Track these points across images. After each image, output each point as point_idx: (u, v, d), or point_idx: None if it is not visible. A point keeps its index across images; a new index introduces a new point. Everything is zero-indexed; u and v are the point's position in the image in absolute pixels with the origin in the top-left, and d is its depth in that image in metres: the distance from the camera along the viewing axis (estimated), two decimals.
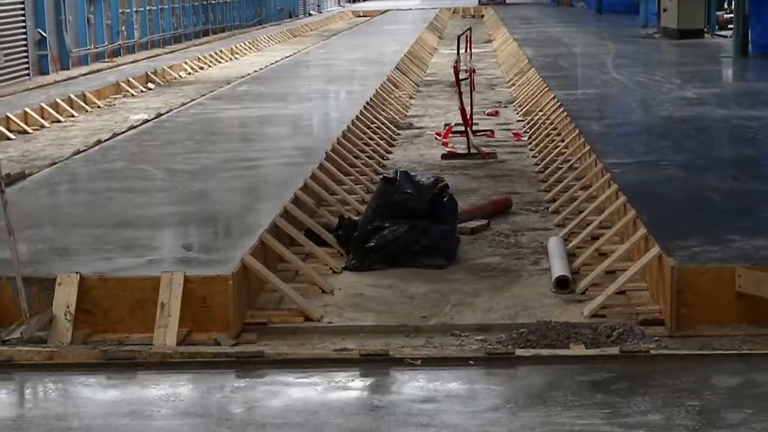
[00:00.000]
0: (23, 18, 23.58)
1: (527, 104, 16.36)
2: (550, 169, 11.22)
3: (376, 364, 5.19)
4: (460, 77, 12.79)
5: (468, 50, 14.93)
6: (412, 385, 5.04)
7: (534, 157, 12.33)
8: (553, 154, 11.80)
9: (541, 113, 14.74)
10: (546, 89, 16.10)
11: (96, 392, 5.10)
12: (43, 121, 16.77)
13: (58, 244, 7.38)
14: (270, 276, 6.82)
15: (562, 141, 12.17)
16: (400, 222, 7.82)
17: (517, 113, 16.21)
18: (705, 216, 7.72)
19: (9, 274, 6.26)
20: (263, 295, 6.96)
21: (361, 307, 6.78)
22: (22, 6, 23.54)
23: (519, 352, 5.30)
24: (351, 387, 5.06)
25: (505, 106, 17.19)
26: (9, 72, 22.67)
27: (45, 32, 24.82)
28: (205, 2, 38.98)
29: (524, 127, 14.68)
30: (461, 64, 13.28)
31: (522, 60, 22.05)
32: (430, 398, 4.87)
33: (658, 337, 6.07)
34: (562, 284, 7.06)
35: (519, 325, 6.25)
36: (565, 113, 13.28)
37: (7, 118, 15.98)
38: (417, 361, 5.17)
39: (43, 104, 17.44)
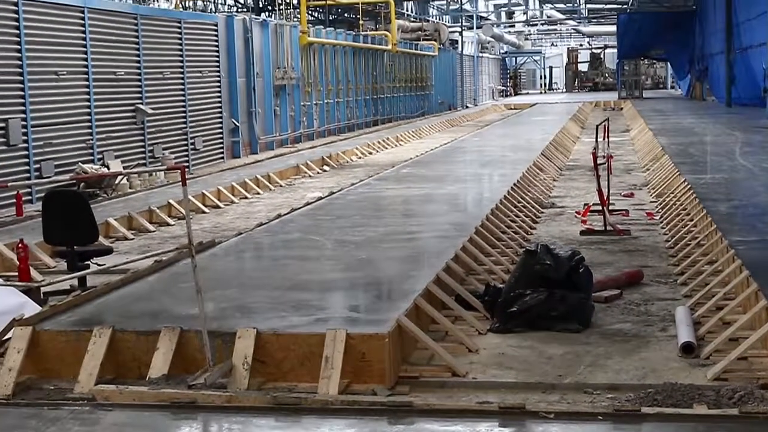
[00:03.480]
0: (220, 110, 24.41)
1: (660, 187, 16.06)
2: (679, 245, 10.94)
3: (514, 416, 5.10)
4: (598, 162, 12.67)
5: (605, 138, 14.77)
6: None
7: (665, 234, 12.07)
8: (682, 232, 11.53)
9: (672, 195, 14.44)
10: (677, 173, 15.79)
11: None
12: (233, 197, 17.25)
13: (240, 303, 7.52)
14: (422, 335, 6.81)
15: (691, 220, 11.89)
16: (540, 290, 7.73)
17: (651, 195, 15.93)
18: None
19: (196, 328, 6.40)
20: (416, 353, 6.93)
21: (503, 365, 6.70)
22: (219, 100, 24.39)
23: (644, 409, 5.15)
24: None
25: (640, 189, 16.91)
26: (207, 155, 23.46)
27: (238, 122, 25.64)
28: (375, 97, 39.66)
29: (657, 207, 14.40)
30: (599, 150, 13.14)
31: (656, 147, 21.70)
32: None
33: None
34: (688, 350, 6.84)
35: (647, 385, 6.06)
36: (694, 195, 12.99)
37: (203, 194, 16.48)
38: (550, 414, 5.07)
39: (233, 183, 17.94)
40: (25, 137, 16.33)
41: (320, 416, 5.27)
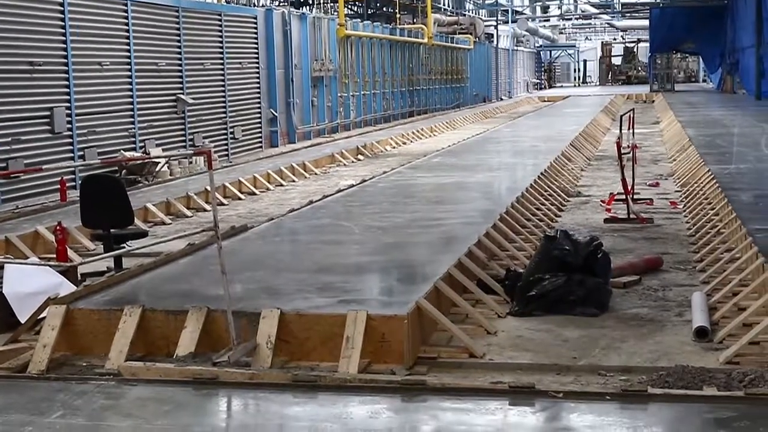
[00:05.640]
0: (258, 100, 24.49)
1: (685, 177, 15.92)
2: (700, 233, 10.86)
3: (524, 395, 5.09)
4: (622, 152, 12.58)
5: (630, 128, 14.65)
6: (552, 415, 4.92)
7: (687, 222, 11.98)
8: (704, 220, 11.43)
9: (696, 185, 14.32)
10: (702, 164, 15.65)
11: (282, 408, 5.17)
12: (268, 184, 17.30)
13: (266, 285, 7.56)
14: (440, 317, 6.80)
15: (713, 209, 11.78)
16: (558, 275, 7.70)
17: (676, 184, 15.80)
18: None
19: (223, 308, 6.43)
20: (435, 334, 6.93)
21: (520, 347, 6.68)
22: (257, 91, 24.47)
23: (651, 390, 5.12)
24: (498, 414, 4.98)
25: (666, 179, 16.78)
26: (245, 144, 23.55)
27: (276, 112, 25.72)
28: (411, 88, 39.58)
29: (681, 196, 14.29)
30: (623, 140, 13.05)
31: (684, 139, 21.51)
32: (568, 427, 4.77)
33: None
34: (702, 334, 6.79)
35: (659, 368, 6.03)
36: (717, 184, 12.87)
37: (239, 181, 16.55)
38: (559, 394, 5.06)
39: (269, 171, 17.98)
40: (70, 125, 16.47)
41: (337, 393, 5.29)
